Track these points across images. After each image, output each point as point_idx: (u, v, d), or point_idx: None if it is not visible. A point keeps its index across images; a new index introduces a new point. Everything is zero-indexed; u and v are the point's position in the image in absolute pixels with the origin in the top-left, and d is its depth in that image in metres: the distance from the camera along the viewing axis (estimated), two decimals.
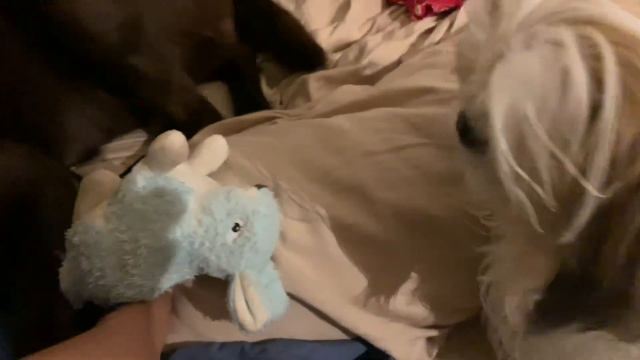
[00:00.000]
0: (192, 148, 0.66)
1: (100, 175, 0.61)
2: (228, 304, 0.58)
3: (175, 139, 0.59)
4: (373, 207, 0.64)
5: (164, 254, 0.58)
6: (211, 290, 0.63)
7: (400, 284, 0.63)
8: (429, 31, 0.96)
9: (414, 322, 0.64)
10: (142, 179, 0.60)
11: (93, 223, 0.59)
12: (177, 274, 0.60)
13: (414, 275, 0.63)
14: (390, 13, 1.04)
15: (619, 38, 0.34)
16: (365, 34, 1.00)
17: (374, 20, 1.03)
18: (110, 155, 0.80)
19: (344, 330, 0.64)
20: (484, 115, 0.36)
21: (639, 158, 0.33)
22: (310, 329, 0.64)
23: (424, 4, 0.97)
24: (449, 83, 0.74)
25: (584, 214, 0.34)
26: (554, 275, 0.39)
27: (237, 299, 0.58)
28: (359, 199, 0.65)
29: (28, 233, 0.64)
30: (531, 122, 0.34)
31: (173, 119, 0.79)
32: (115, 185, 0.61)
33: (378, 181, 0.65)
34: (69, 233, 0.60)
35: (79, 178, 0.75)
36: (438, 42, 0.91)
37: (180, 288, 0.65)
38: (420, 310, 0.64)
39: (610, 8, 0.36)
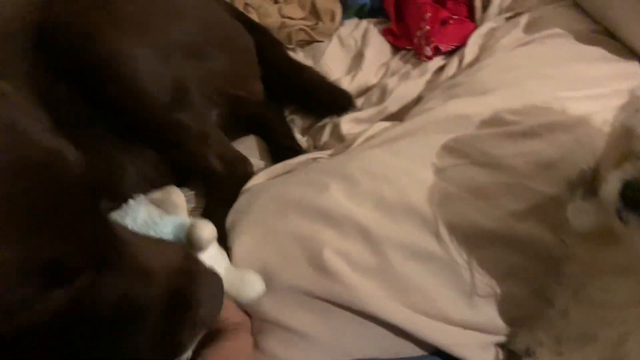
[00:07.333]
0: None
1: None
2: None
3: (205, 227, 0.63)
4: (429, 226, 0.68)
5: None
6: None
7: (465, 294, 0.67)
8: (440, 69, 1.05)
9: (483, 329, 0.67)
10: None
11: None
12: None
13: (478, 284, 0.67)
14: (401, 57, 1.13)
15: None
16: (382, 78, 1.08)
17: (387, 65, 1.11)
18: None
19: (418, 343, 0.66)
20: None
21: None
22: (385, 346, 0.66)
23: (432, 45, 1.07)
24: (479, 109, 0.81)
25: None
26: None
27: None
28: (414, 219, 0.69)
29: None
30: None
31: (212, 169, 0.85)
32: None
33: (428, 201, 0.70)
34: None
35: None
36: (452, 77, 0.99)
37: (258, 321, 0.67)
38: (487, 317, 0.67)
39: None
